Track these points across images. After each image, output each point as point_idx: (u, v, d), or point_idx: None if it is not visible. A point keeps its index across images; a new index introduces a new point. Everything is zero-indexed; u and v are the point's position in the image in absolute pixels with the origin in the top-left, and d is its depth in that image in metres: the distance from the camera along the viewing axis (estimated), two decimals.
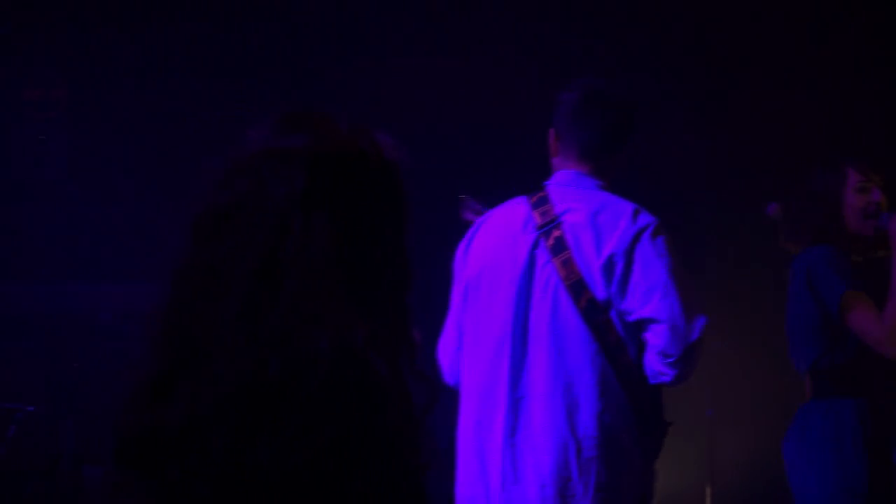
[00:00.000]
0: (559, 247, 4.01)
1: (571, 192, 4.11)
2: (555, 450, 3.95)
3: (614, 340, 3.96)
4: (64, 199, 7.83)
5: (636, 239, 3.97)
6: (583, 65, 6.70)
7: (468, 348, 4.15)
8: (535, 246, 4.06)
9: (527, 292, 4.04)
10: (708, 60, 7.68)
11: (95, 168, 7.85)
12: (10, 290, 7.43)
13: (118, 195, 7.95)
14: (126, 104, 7.78)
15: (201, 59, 7.73)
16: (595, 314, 3.95)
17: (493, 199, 4.45)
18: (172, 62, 7.74)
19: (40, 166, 7.84)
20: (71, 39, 7.70)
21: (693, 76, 7.75)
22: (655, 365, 3.95)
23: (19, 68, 7.54)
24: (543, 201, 4.11)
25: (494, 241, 4.16)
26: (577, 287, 3.96)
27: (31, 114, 7.86)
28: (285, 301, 1.89)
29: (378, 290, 1.99)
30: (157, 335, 1.96)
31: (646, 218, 4.02)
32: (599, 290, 3.96)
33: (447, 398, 3.99)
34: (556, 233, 4.03)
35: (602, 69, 6.10)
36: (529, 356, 4.01)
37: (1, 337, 6.90)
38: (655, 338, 3.93)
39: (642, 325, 3.96)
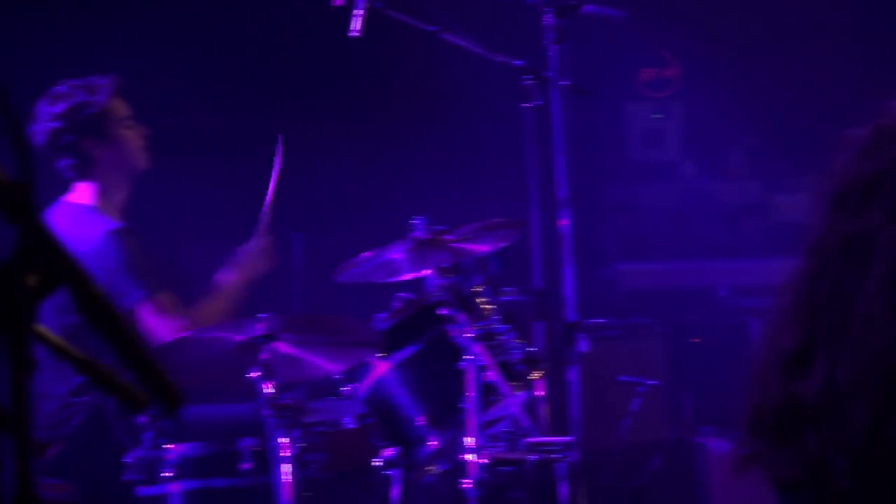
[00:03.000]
0: None
1: None
2: None
3: None
4: (680, 176, 7.96)
5: None
6: None
7: None
8: None
9: None
10: None
11: (709, 145, 7.93)
12: (631, 269, 7.66)
13: (731, 171, 7.99)
14: (732, 76, 7.81)
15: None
16: None
17: None
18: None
19: (657, 145, 8.01)
20: (683, 19, 7.81)
21: None
22: None
23: (635, 51, 7.74)
24: None
25: None
26: None
27: (646, 94, 8.06)
28: None
29: None
30: (793, 307, 1.95)
31: None
32: None
33: None
34: None
35: None
36: None
37: (624, 313, 7.11)
38: None
39: None
